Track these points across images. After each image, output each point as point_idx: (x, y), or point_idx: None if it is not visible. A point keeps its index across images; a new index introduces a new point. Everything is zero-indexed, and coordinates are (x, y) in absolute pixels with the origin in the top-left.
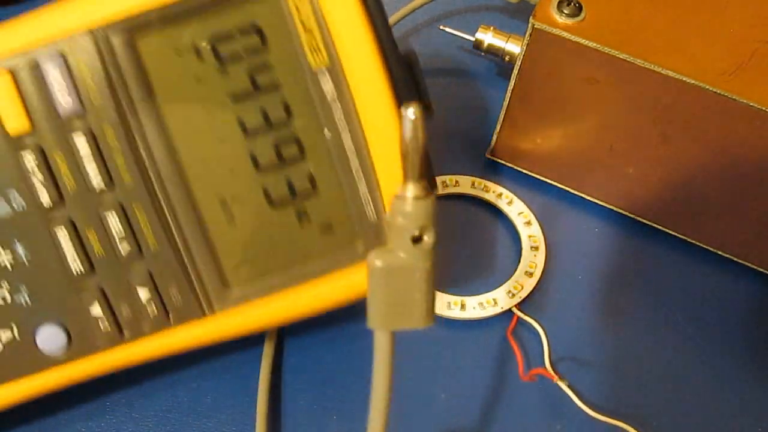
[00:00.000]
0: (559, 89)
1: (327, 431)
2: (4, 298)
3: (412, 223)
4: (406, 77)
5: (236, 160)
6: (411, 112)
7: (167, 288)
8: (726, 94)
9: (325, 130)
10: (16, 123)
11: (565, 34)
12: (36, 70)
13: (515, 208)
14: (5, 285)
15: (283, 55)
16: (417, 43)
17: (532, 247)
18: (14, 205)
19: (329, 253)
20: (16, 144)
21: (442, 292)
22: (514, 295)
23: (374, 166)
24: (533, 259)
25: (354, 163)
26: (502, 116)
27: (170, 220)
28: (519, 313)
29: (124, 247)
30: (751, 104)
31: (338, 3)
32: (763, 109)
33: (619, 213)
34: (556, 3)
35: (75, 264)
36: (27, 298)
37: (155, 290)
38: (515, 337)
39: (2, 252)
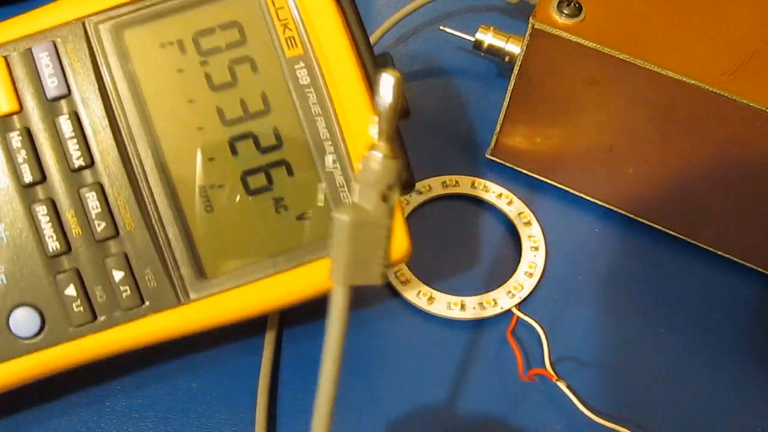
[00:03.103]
0: (559, 89)
1: None
2: None
3: (381, 181)
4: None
5: (215, 149)
6: (388, 76)
7: (142, 272)
8: (726, 94)
9: (301, 118)
10: (6, 104)
11: (565, 34)
12: (27, 55)
13: (515, 208)
14: None
15: (260, 47)
16: (417, 43)
17: (532, 247)
18: None
19: (306, 243)
20: (4, 124)
21: (442, 292)
22: (514, 295)
23: (349, 155)
24: (533, 259)
25: (329, 151)
26: (502, 116)
27: (148, 204)
28: (519, 314)
29: (100, 227)
30: (751, 104)
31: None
32: (763, 109)
33: (619, 213)
34: (556, 3)
35: (52, 243)
36: (3, 278)
37: (130, 273)
38: (515, 337)
39: None
